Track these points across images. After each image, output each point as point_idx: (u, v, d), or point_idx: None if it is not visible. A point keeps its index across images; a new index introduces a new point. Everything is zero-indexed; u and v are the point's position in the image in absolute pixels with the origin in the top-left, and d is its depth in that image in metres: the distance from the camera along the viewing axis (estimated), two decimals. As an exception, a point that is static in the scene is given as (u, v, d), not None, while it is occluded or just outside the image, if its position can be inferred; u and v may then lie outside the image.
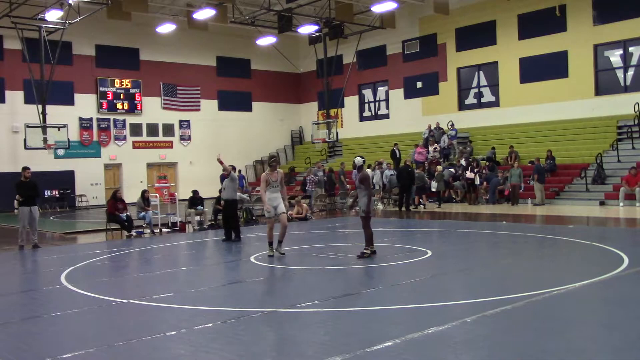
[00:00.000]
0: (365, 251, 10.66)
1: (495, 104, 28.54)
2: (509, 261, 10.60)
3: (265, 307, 7.26)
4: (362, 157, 11.25)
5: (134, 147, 31.74)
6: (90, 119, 30.41)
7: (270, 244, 11.20)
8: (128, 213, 17.01)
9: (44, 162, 27.28)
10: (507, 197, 22.33)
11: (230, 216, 14.27)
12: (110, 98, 30.88)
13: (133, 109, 31.60)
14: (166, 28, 29.53)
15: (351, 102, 34.64)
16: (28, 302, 8.49)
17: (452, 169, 24.37)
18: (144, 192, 18.02)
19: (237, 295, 8.55)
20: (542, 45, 26.40)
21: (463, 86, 29.91)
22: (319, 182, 23.51)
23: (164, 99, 32.73)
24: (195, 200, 18.84)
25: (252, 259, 11.06)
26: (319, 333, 6.17)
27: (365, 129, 33.81)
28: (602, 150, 22.62)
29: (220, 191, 20.93)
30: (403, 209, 21.48)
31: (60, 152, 28.41)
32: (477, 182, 22.69)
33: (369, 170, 25.64)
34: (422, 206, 22.16)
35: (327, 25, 29.79)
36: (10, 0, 24.20)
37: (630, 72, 24.34)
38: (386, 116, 33.36)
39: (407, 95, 32.03)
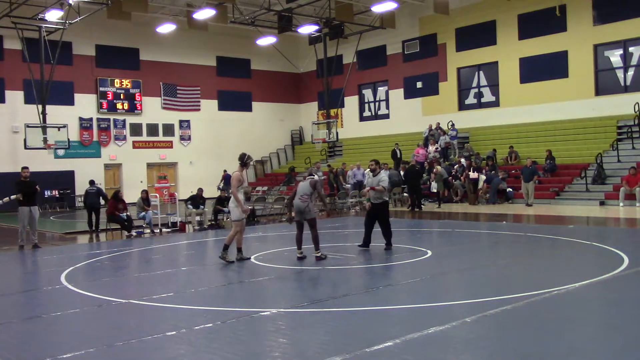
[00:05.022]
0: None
1: (495, 104, 28.54)
2: (509, 261, 10.60)
3: (265, 307, 7.26)
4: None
5: (134, 147, 31.76)
6: (90, 119, 30.42)
7: (227, 247, 10.76)
8: (128, 213, 17.03)
9: (44, 162, 27.29)
10: (506, 196, 22.36)
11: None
12: (110, 98, 30.89)
13: (133, 109, 31.61)
14: (166, 28, 29.54)
15: (351, 102, 34.64)
16: (28, 302, 8.49)
17: (441, 163, 24.38)
18: (143, 192, 18.06)
19: (237, 295, 8.56)
20: (542, 45, 26.40)
21: (463, 86, 29.91)
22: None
23: (164, 99, 32.74)
24: (198, 199, 18.81)
25: (252, 259, 11.05)
26: (319, 333, 6.17)
27: (365, 129, 33.81)
28: (602, 150, 22.62)
29: (220, 190, 21.00)
30: (415, 209, 21.41)
31: (60, 152, 28.42)
32: (481, 184, 22.65)
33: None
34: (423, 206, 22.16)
35: (327, 25, 29.80)
36: (10, 0, 24.21)
37: (630, 72, 24.33)
38: (386, 116, 33.37)
39: (407, 95, 32.03)
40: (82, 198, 18.22)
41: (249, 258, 11.00)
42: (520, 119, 27.01)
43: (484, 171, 23.32)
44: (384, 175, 11.78)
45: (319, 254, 10.72)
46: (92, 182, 18.99)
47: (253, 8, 28.39)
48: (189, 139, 33.67)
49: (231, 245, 10.82)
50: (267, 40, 31.78)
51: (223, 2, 27.21)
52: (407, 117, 31.68)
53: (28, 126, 25.87)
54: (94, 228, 17.50)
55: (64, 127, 26.66)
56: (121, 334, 6.34)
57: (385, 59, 32.95)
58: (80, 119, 30.05)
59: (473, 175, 22.75)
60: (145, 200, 17.60)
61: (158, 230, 17.31)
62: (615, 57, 24.81)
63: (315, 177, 11.23)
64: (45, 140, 25.93)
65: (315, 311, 7.04)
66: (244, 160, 10.83)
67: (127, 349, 5.81)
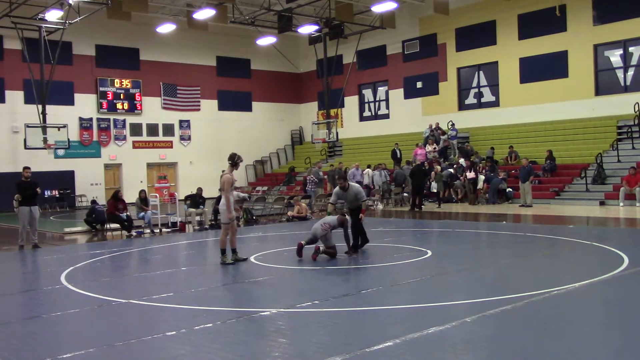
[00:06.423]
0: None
1: (495, 104, 28.54)
2: (509, 261, 10.60)
3: (265, 307, 7.26)
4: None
5: (134, 147, 31.76)
6: (90, 119, 30.43)
7: (224, 251, 10.67)
8: (128, 213, 17.03)
9: (44, 162, 27.30)
10: (506, 196, 22.37)
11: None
12: (110, 98, 30.89)
13: (133, 109, 31.61)
14: (166, 28, 29.56)
15: (351, 102, 34.64)
16: (28, 302, 8.49)
17: (451, 170, 24.33)
18: (140, 193, 18.09)
19: (237, 295, 8.56)
20: (542, 45, 26.40)
21: (463, 86, 29.91)
22: (319, 182, 23.51)
23: (164, 99, 32.74)
24: (197, 199, 18.80)
25: (252, 259, 11.05)
26: (319, 333, 6.17)
27: (365, 129, 33.81)
28: (602, 150, 22.62)
29: (221, 190, 20.98)
30: (416, 209, 21.38)
31: (60, 152, 28.42)
32: (481, 184, 22.62)
33: (368, 170, 25.63)
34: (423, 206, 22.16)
35: (327, 25, 29.79)
36: (10, 0, 24.22)
37: (630, 72, 24.33)
38: (386, 116, 33.36)
39: (407, 95, 32.03)
40: (88, 213, 18.44)
41: (246, 259, 10.91)
42: (520, 119, 27.01)
43: (483, 171, 23.31)
44: (358, 188, 11.98)
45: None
46: (94, 202, 19.70)
47: (253, 8, 28.40)
48: (189, 139, 33.67)
49: (227, 247, 10.79)
50: (267, 40, 31.79)
51: (223, 2, 27.22)
52: (407, 117, 31.68)
53: (28, 126, 25.87)
54: (99, 227, 17.56)
55: (64, 127, 26.67)
56: (121, 334, 6.34)
57: (385, 59, 32.95)
58: (80, 119, 30.05)
59: (470, 175, 22.72)
60: (143, 200, 17.61)
61: (158, 231, 17.31)
62: (615, 57, 24.81)
63: (348, 217, 11.28)
64: (45, 140, 25.93)
65: (315, 311, 7.03)
66: (234, 161, 10.67)
67: (127, 349, 5.80)
